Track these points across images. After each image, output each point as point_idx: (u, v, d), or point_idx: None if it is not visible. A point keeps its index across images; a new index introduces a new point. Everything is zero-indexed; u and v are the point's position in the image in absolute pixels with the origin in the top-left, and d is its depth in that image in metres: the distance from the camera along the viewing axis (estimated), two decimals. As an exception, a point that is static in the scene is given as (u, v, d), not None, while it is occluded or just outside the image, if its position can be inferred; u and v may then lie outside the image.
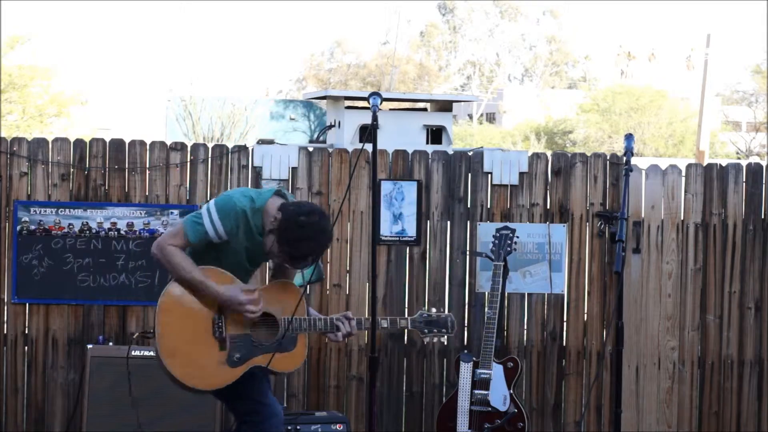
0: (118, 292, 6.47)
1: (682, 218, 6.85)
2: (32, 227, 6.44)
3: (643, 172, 6.82)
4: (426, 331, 5.26)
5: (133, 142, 6.57)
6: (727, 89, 51.41)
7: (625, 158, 5.62)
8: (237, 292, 4.87)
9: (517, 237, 6.49)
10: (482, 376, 6.31)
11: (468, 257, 6.75)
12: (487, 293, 6.63)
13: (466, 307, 6.77)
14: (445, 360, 6.76)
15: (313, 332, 5.06)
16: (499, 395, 6.31)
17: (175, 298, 4.89)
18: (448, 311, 6.75)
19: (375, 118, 5.14)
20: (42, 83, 27.28)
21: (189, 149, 6.61)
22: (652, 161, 8.57)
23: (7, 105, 26.53)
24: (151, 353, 6.19)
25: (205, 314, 4.89)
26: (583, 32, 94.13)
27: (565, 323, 6.83)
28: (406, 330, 5.27)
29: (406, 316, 5.35)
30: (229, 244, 4.89)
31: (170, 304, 4.89)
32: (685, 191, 6.85)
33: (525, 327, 6.79)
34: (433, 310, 5.33)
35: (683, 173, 6.85)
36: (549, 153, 6.89)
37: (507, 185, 6.78)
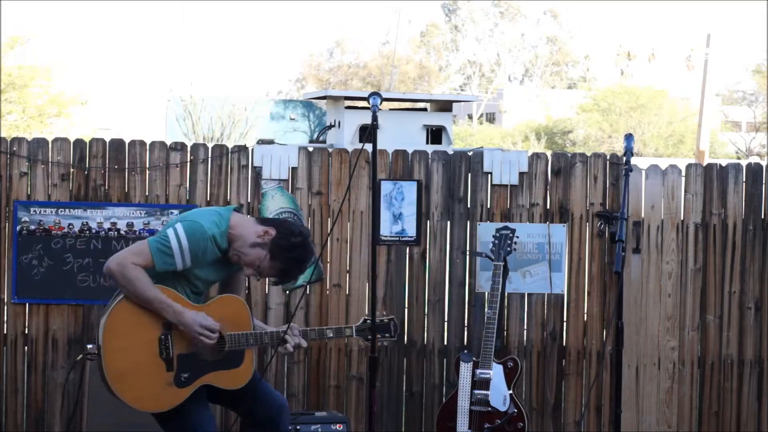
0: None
1: (682, 218, 6.84)
2: (32, 227, 6.44)
3: (643, 172, 6.82)
4: (370, 337, 5.21)
5: (133, 142, 6.57)
6: (727, 89, 51.44)
7: (625, 158, 5.63)
8: (201, 316, 4.79)
9: (517, 237, 6.49)
10: (482, 376, 6.31)
11: (468, 257, 6.75)
12: (487, 293, 6.63)
13: (466, 307, 6.77)
14: (445, 360, 6.76)
15: (259, 346, 5.00)
16: (499, 395, 6.31)
17: (120, 319, 4.78)
18: (448, 311, 6.79)
19: (375, 118, 5.14)
20: (42, 83, 27.25)
21: (189, 149, 6.61)
22: (652, 161, 8.57)
23: (7, 105, 26.50)
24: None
25: (151, 334, 4.79)
26: (583, 32, 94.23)
27: (565, 323, 6.83)
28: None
29: (351, 324, 5.38)
30: (190, 269, 4.81)
31: (115, 326, 4.78)
32: (685, 191, 6.85)
33: (525, 327, 6.79)
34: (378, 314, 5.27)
35: (683, 173, 6.85)
36: (549, 153, 6.89)
37: (507, 185, 6.78)
